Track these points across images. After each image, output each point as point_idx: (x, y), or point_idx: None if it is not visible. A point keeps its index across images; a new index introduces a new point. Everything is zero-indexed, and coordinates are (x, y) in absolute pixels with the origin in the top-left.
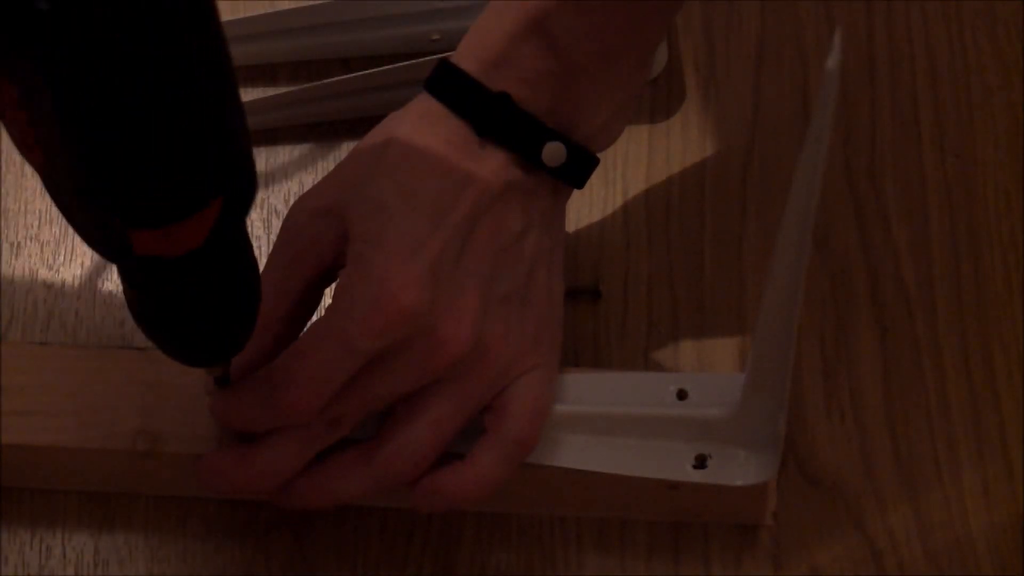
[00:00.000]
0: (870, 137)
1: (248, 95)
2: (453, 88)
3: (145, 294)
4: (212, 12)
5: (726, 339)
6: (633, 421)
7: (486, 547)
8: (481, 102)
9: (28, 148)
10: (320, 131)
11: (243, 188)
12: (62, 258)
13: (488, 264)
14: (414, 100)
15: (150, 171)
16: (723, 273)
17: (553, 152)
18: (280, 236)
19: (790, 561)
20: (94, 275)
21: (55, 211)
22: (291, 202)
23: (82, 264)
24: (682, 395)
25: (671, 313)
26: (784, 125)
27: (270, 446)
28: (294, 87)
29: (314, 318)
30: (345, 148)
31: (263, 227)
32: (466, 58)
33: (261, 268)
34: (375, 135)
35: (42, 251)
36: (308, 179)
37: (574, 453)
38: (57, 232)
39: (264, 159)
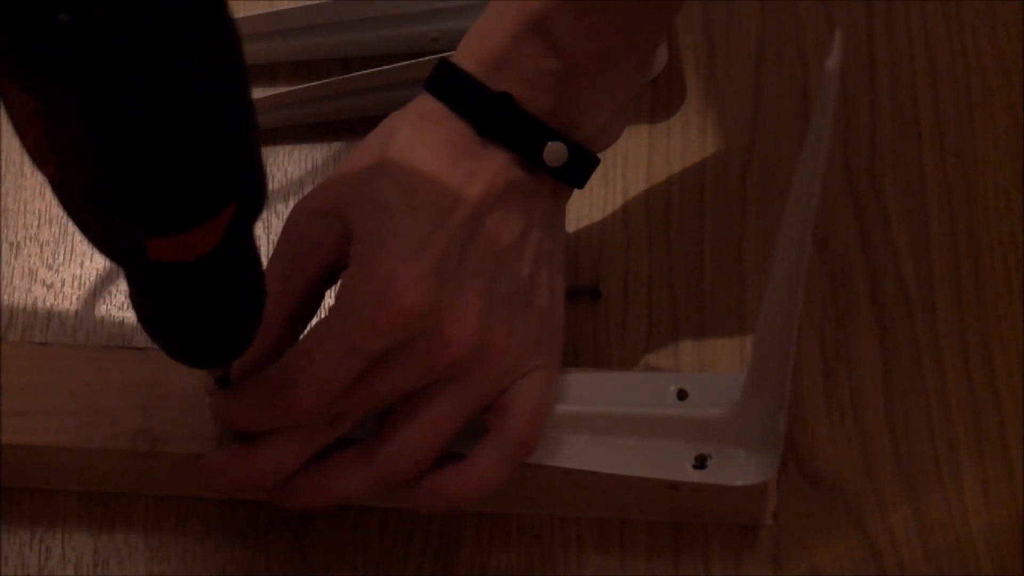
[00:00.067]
0: (870, 137)
1: None
2: (454, 88)
3: (153, 298)
4: (230, 21)
5: (726, 339)
6: (633, 421)
7: (486, 547)
8: (483, 102)
9: (41, 156)
10: (320, 131)
11: (255, 192)
12: (62, 258)
13: (490, 264)
14: (414, 100)
15: (169, 179)
16: (723, 273)
17: (554, 152)
18: (282, 237)
19: (790, 561)
20: (94, 275)
21: (55, 211)
22: (291, 202)
23: (82, 264)
24: (682, 395)
25: (671, 313)
26: (784, 125)
27: (270, 444)
28: (294, 87)
29: (315, 319)
30: (345, 148)
31: (263, 227)
32: (467, 58)
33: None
34: (376, 135)
35: (42, 251)
36: (308, 179)
37: (574, 453)
38: (57, 232)
39: (264, 159)
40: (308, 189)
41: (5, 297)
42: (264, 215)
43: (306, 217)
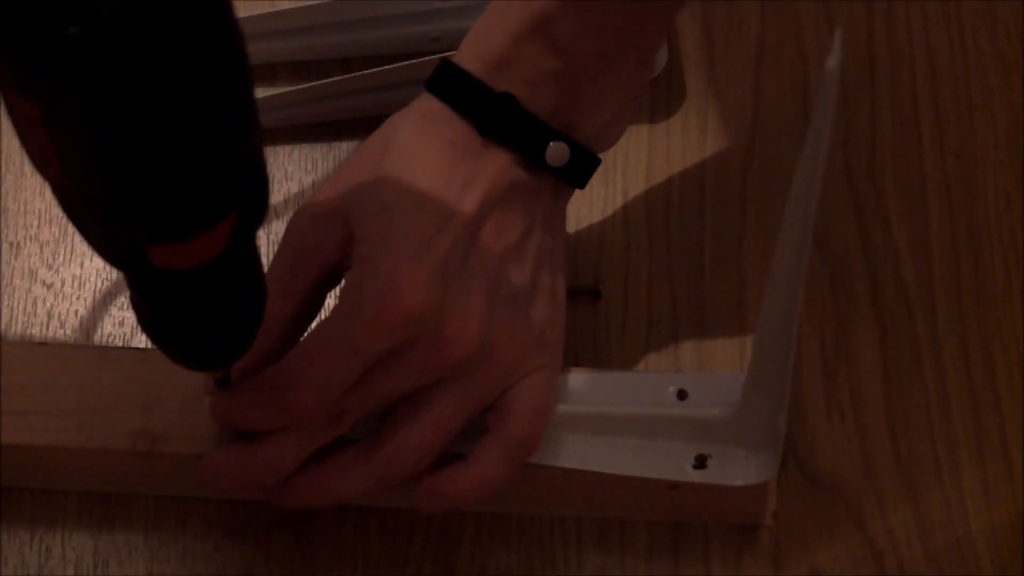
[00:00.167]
0: (870, 137)
1: None
2: (456, 88)
3: (154, 302)
4: (235, 28)
5: (726, 339)
6: (633, 421)
7: (486, 547)
8: (484, 102)
9: (45, 163)
10: (320, 131)
11: (257, 200)
12: (62, 258)
13: (493, 265)
14: (416, 100)
15: (173, 187)
16: (723, 273)
17: (556, 152)
18: (284, 238)
19: (790, 561)
20: (94, 275)
21: (55, 211)
22: (291, 202)
23: (82, 264)
24: (682, 395)
25: (671, 313)
26: (784, 125)
27: (270, 443)
28: (294, 87)
29: (317, 320)
30: (345, 148)
31: (263, 228)
32: (468, 59)
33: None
34: (378, 136)
35: (42, 251)
36: (308, 179)
37: (574, 453)
38: (57, 232)
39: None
40: (308, 189)
41: (5, 297)
42: (267, 210)
43: (308, 218)
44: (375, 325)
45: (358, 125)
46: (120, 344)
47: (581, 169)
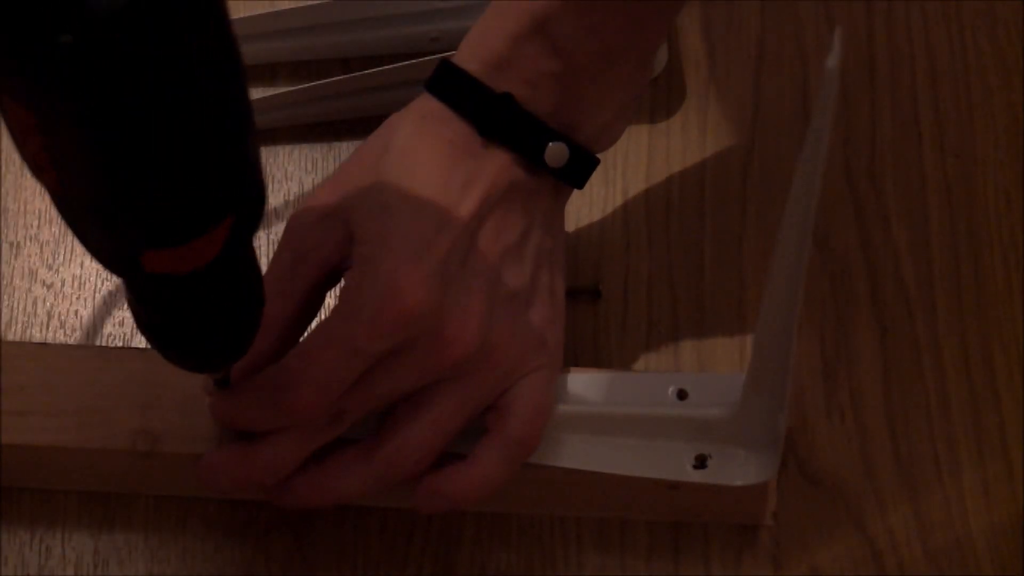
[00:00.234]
0: (870, 137)
1: None
2: (455, 88)
3: (151, 306)
4: (231, 31)
5: (726, 339)
6: (633, 421)
7: (486, 547)
8: (484, 103)
9: (40, 169)
10: (320, 131)
11: (254, 204)
12: (62, 258)
13: (493, 265)
14: (415, 100)
15: (168, 192)
16: (723, 273)
17: (555, 153)
18: (284, 238)
19: (790, 561)
20: (94, 275)
21: (55, 211)
22: (291, 202)
23: (82, 264)
24: (682, 395)
25: (671, 313)
26: (784, 125)
27: (270, 443)
28: (294, 87)
29: (317, 320)
30: (345, 148)
31: (263, 227)
32: (468, 59)
33: (263, 271)
34: (377, 137)
35: (42, 251)
36: (308, 179)
37: (574, 453)
38: (57, 232)
39: (264, 159)
40: (308, 189)
41: (5, 297)
42: (264, 215)
43: (307, 219)
44: (375, 325)
45: (358, 125)
46: (120, 344)
47: (580, 169)
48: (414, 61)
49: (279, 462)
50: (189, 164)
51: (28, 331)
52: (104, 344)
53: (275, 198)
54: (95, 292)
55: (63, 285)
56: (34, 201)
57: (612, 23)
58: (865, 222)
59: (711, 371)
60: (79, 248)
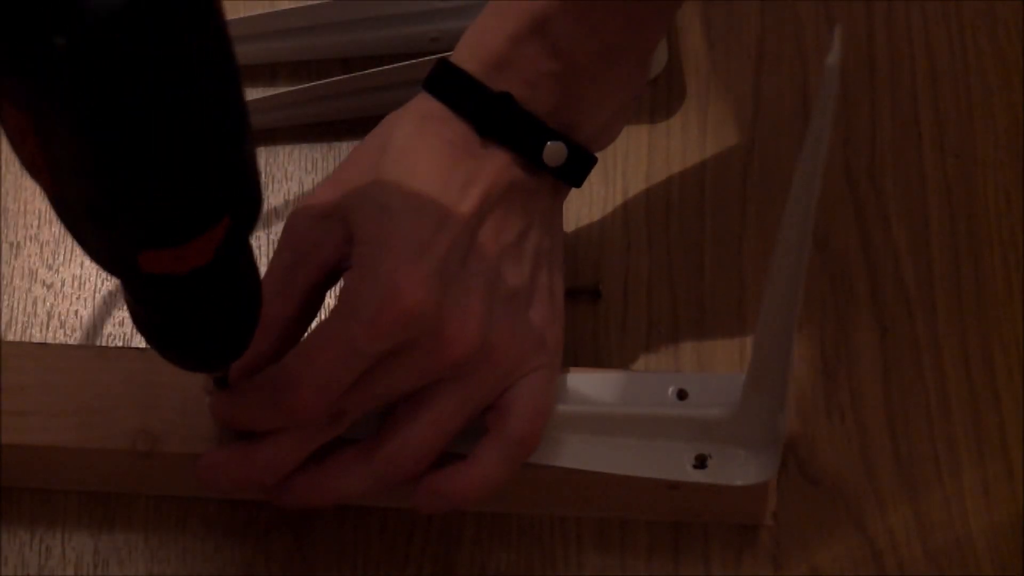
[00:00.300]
0: (870, 137)
1: (248, 95)
2: (454, 88)
3: (149, 306)
4: (226, 37)
5: (726, 339)
6: (633, 421)
7: (486, 547)
8: (483, 102)
9: (37, 170)
10: (320, 131)
11: (250, 205)
12: (62, 258)
13: (493, 265)
14: (413, 100)
15: (164, 193)
16: (723, 273)
17: (554, 152)
18: (282, 239)
19: (790, 561)
20: (94, 275)
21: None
22: (291, 202)
23: (82, 264)
24: (682, 395)
25: (671, 313)
26: (784, 125)
27: (270, 443)
28: (294, 87)
29: (316, 320)
30: (345, 148)
31: (263, 227)
32: (466, 58)
33: (262, 271)
34: (375, 136)
35: (42, 251)
36: (308, 179)
37: (574, 453)
38: (57, 232)
39: (264, 159)
40: (308, 189)
41: (5, 297)
42: (264, 215)
43: (307, 219)
44: (375, 325)
45: (358, 125)
46: (120, 344)
47: (579, 168)
48: (414, 61)
49: (279, 462)
50: (186, 165)
51: (28, 331)
52: (104, 344)
53: (275, 198)
54: (95, 292)
55: (63, 285)
56: (34, 201)
57: (611, 23)
58: (865, 222)
59: (711, 371)
60: (79, 248)
